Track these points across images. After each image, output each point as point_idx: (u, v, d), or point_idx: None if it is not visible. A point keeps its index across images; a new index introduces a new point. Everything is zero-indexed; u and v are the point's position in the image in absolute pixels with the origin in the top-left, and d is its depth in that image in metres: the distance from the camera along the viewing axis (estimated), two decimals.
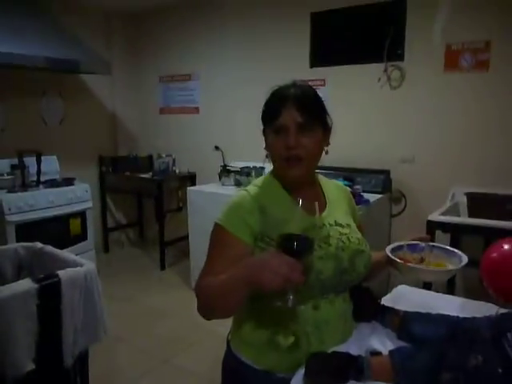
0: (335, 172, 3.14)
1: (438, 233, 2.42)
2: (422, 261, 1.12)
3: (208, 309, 1.01)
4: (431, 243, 1.17)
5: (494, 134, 2.80)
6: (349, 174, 3.05)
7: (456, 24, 2.85)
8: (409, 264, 1.07)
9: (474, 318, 1.04)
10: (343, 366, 0.92)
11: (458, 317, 1.07)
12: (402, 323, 1.09)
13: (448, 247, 1.16)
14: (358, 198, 2.72)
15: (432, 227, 2.40)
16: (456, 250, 1.13)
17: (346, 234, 1.10)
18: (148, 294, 3.55)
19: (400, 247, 1.17)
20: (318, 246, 1.01)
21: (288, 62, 3.49)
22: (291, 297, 0.85)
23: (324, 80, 3.37)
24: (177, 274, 3.93)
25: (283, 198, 1.09)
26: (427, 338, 1.02)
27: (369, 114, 3.23)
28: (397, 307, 1.18)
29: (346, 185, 2.81)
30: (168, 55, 4.41)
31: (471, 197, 2.65)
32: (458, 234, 2.64)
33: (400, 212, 3.19)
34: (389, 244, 1.18)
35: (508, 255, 1.02)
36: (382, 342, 1.06)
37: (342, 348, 1.01)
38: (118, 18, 4.47)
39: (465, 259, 1.06)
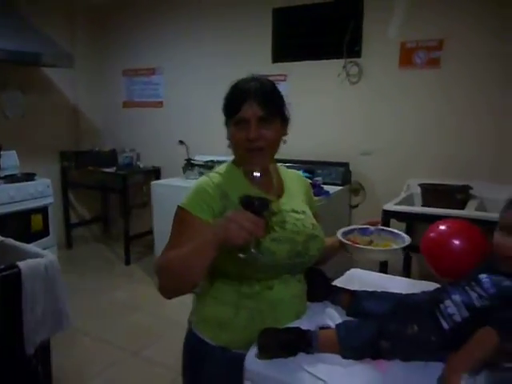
0: (296, 165, 3.22)
1: (393, 222, 2.54)
2: (370, 243, 1.22)
3: (172, 283, 1.03)
4: (380, 227, 1.27)
5: (446, 128, 2.95)
6: (309, 167, 3.14)
7: (411, 23, 2.98)
8: (356, 245, 1.17)
9: (414, 294, 1.13)
10: (293, 339, 0.99)
11: (401, 294, 1.16)
12: (351, 301, 1.17)
13: (394, 230, 1.26)
14: (318, 189, 2.82)
15: (387, 216, 2.52)
16: (401, 233, 1.23)
17: (301, 220, 1.17)
18: (113, 288, 3.54)
19: (352, 231, 1.27)
20: (273, 230, 1.08)
21: (251, 57, 3.55)
22: (253, 250, 0.94)
23: (285, 75, 3.45)
24: (142, 269, 3.94)
25: (244, 186, 1.12)
26: (373, 314, 1.10)
27: (329, 109, 3.33)
28: (350, 288, 1.26)
29: (306, 177, 2.93)
30: (132, 49, 4.38)
31: (424, 187, 2.78)
32: (412, 223, 2.78)
33: (359, 203, 3.31)
34: None
35: (443, 234, 1.11)
36: (332, 318, 1.13)
37: (294, 324, 1.08)
38: (82, 11, 4.40)
39: (408, 240, 1.17)
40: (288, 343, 0.98)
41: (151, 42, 4.23)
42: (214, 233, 0.94)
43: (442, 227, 1.12)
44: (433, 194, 2.71)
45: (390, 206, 2.57)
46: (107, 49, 4.56)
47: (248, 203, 0.93)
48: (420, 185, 2.81)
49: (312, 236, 1.17)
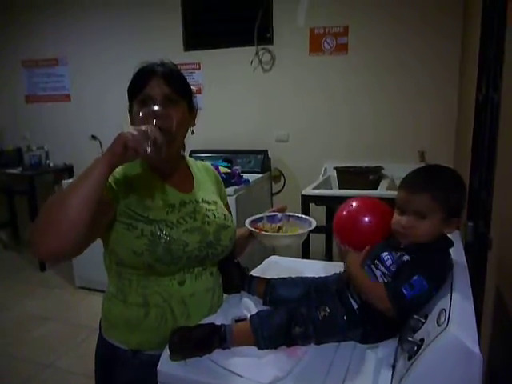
0: (214, 155, 3.19)
1: (312, 206, 2.59)
2: (279, 229, 1.22)
3: (47, 225, 0.81)
4: (287, 213, 1.28)
5: (358, 111, 3.06)
6: (228, 156, 3.11)
7: (318, 10, 3.03)
8: (262, 232, 1.17)
9: (326, 276, 1.14)
10: (207, 336, 0.95)
11: (314, 277, 1.16)
12: (267, 289, 1.15)
13: (301, 215, 1.28)
14: (237, 178, 2.80)
15: (306, 201, 2.56)
16: (307, 217, 1.25)
17: (211, 210, 1.15)
18: (27, 297, 3.28)
19: (260, 219, 1.26)
20: (184, 220, 1.07)
21: (163, 45, 3.41)
22: (150, 144, 0.86)
23: (199, 63, 3.37)
24: (59, 274, 3.68)
25: (149, 176, 1.10)
26: (287, 300, 1.09)
27: (244, 97, 3.31)
28: (267, 276, 1.25)
29: (225, 166, 2.90)
30: (32, 39, 4.03)
31: (340, 170, 2.87)
32: (330, 206, 2.86)
33: (280, 190, 3.35)
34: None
35: (352, 212, 1.12)
36: (248, 309, 1.11)
37: (208, 320, 1.05)
38: None
39: (313, 224, 1.20)
40: (202, 341, 0.94)
41: (53, 31, 3.92)
42: (105, 153, 0.86)
43: (351, 205, 1.13)
44: (347, 176, 2.81)
45: (308, 191, 2.62)
46: (1, 36, 4.15)
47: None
48: (335, 168, 2.90)
49: (223, 226, 1.15)
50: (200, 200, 1.15)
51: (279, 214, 1.27)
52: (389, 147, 3.00)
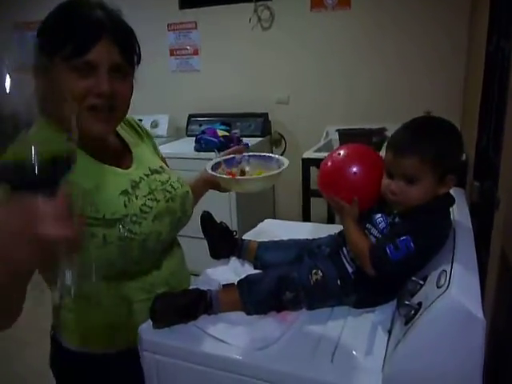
0: (213, 118, 3.09)
1: (313, 169, 2.51)
2: (243, 173, 1.07)
3: None
4: (247, 154, 1.12)
5: (362, 71, 2.92)
6: (226, 119, 3.02)
7: None
8: (235, 177, 1.01)
9: (320, 238, 1.08)
10: (191, 302, 0.89)
11: (307, 239, 1.10)
12: (257, 253, 1.09)
13: (263, 153, 1.11)
14: (236, 142, 2.71)
15: (307, 164, 2.48)
16: (273, 155, 1.08)
17: (167, 182, 0.99)
18: None
19: (218, 164, 1.08)
20: (147, 207, 0.90)
21: (156, 3, 3.26)
22: (69, 272, 0.52)
23: (195, 22, 3.22)
24: None
25: (82, 160, 0.82)
26: (278, 264, 1.03)
27: (243, 57, 3.17)
28: (261, 240, 1.18)
29: (223, 130, 2.81)
30: None
31: (341, 133, 2.76)
32: None
33: (281, 154, 3.25)
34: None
35: (338, 162, 0.96)
36: (237, 274, 1.06)
37: (197, 284, 0.99)
38: None
39: (286, 161, 1.01)
40: (186, 308, 0.88)
41: None
42: None
43: (337, 154, 0.97)
44: (350, 138, 2.69)
45: (309, 154, 2.53)
46: None
47: (19, 179, 0.49)
48: (338, 130, 2.78)
49: (185, 195, 1.03)
50: (149, 172, 0.97)
51: (237, 156, 1.10)
52: (393, 108, 2.88)
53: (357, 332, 0.84)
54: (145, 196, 0.91)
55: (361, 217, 0.93)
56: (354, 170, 0.94)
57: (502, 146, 1.39)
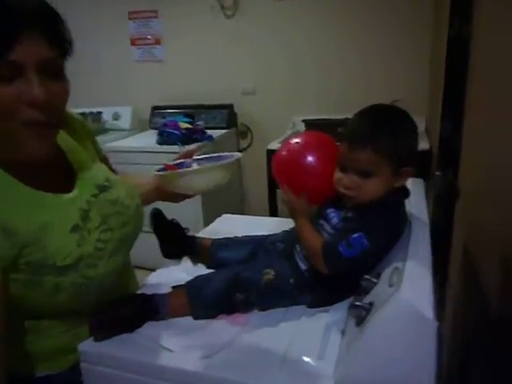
0: (178, 110, 3.00)
1: None
2: None
3: None
4: (198, 156, 1.04)
5: (328, 61, 2.87)
6: (190, 111, 2.92)
7: None
8: (179, 170, 0.92)
9: (274, 234, 1.03)
10: (134, 311, 0.83)
11: (263, 235, 1.05)
12: (210, 251, 1.03)
13: (215, 154, 1.04)
14: (200, 134, 2.64)
15: (272, 156, 2.43)
16: (225, 153, 1.02)
17: (117, 200, 0.86)
18: None
19: (163, 170, 0.99)
20: (102, 243, 0.78)
21: None
22: None
23: (156, 11, 3.10)
24: None
25: (23, 195, 0.70)
26: (232, 262, 0.98)
27: (207, 47, 3.08)
28: (217, 237, 1.12)
29: (187, 122, 2.73)
30: None
31: (308, 123, 2.72)
32: None
33: (247, 146, 3.20)
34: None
35: (294, 149, 0.90)
36: (190, 274, 1.00)
37: (144, 289, 0.93)
38: None
39: (237, 154, 0.97)
40: (128, 318, 0.82)
41: None
42: None
43: (292, 142, 0.91)
44: (316, 129, 2.66)
45: (274, 145, 2.48)
46: None
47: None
48: (304, 121, 2.75)
49: (136, 211, 0.90)
50: (96, 191, 0.82)
51: (187, 160, 1.01)
52: (361, 98, 2.81)
53: (310, 334, 0.80)
54: (97, 228, 0.78)
55: (315, 212, 0.89)
56: (309, 159, 0.88)
57: (462, 135, 1.37)
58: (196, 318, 0.84)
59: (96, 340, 0.80)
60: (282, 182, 0.90)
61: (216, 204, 2.69)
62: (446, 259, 1.45)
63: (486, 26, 1.17)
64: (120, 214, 0.84)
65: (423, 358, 0.60)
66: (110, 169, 0.97)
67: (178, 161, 1.03)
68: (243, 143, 3.21)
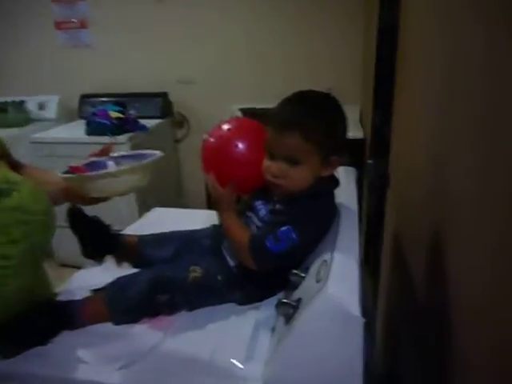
0: (108, 99, 2.84)
1: None
2: None
3: None
4: (116, 154, 0.93)
5: (265, 47, 2.82)
6: (121, 100, 2.77)
7: None
8: (89, 174, 0.81)
9: (203, 229, 0.97)
10: (48, 319, 0.75)
11: (191, 230, 0.99)
12: (136, 250, 0.96)
13: (135, 152, 0.94)
14: (132, 124, 2.51)
15: None
16: (146, 151, 0.93)
17: (20, 207, 0.73)
18: None
19: (75, 170, 0.87)
20: (4, 260, 0.69)
21: None
22: None
23: None
24: None
25: None
26: (158, 260, 0.92)
27: (137, 32, 2.93)
28: (145, 233, 1.05)
29: (118, 111, 2.59)
30: None
31: (245, 112, 2.68)
32: None
33: (184, 135, 3.10)
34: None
35: (223, 136, 0.84)
36: (114, 275, 0.92)
37: (63, 295, 0.85)
38: None
39: (159, 153, 0.90)
40: (41, 329, 0.73)
41: None
42: None
43: (221, 129, 0.85)
44: (252, 117, 2.63)
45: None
46: None
47: None
48: (240, 109, 2.70)
49: (47, 216, 0.78)
50: None
51: (102, 159, 0.90)
52: (298, 86, 2.84)
53: (239, 334, 0.76)
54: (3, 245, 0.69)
55: (243, 204, 0.84)
56: (238, 147, 0.83)
57: (392, 122, 1.39)
58: (116, 323, 0.78)
59: (5, 357, 0.71)
60: (209, 170, 0.85)
61: (151, 197, 2.58)
62: (379, 247, 1.47)
63: (414, 14, 1.18)
64: (24, 223, 0.72)
65: (350, 354, 0.58)
66: (14, 164, 0.86)
67: (90, 160, 0.92)
68: (179, 133, 3.10)
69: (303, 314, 0.61)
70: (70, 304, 0.77)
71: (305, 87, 0.99)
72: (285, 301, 0.66)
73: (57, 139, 2.47)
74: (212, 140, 0.86)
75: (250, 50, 2.85)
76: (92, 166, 0.89)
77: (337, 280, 0.60)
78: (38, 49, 3.13)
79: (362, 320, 0.55)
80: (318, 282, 0.63)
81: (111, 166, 0.90)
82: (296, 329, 0.61)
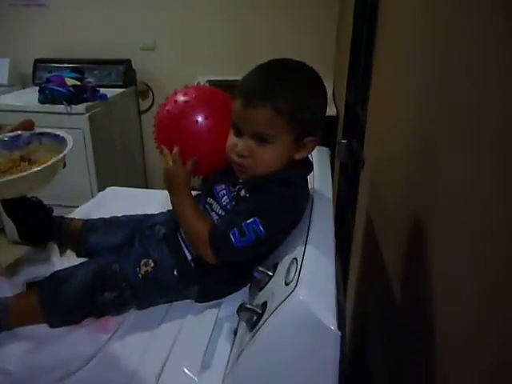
0: (65, 65, 2.63)
1: None
2: (28, 161, 0.73)
3: None
4: (39, 131, 0.77)
5: (235, 18, 2.67)
6: (79, 66, 2.57)
7: None
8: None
9: (157, 214, 0.86)
10: None
11: (144, 215, 0.88)
12: (80, 235, 0.84)
13: (57, 132, 0.77)
14: (90, 93, 2.32)
15: None
16: (64, 134, 0.75)
17: None
18: None
19: None
20: None
21: None
22: None
23: None
24: None
25: None
26: (106, 250, 0.80)
27: None
28: (94, 217, 0.92)
29: (75, 78, 2.39)
30: None
31: (212, 84, 2.54)
32: None
33: (149, 107, 2.92)
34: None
35: (179, 106, 0.72)
36: (51, 265, 0.81)
37: None
38: None
39: (69, 142, 0.72)
40: None
41: None
42: None
43: (178, 99, 0.74)
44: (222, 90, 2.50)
45: None
46: None
47: None
48: (208, 81, 2.55)
49: None
50: None
51: (25, 134, 0.75)
52: (266, 58, 2.72)
53: (196, 336, 0.67)
54: None
55: (201, 187, 0.74)
56: (198, 118, 0.71)
57: (368, 102, 1.30)
58: (52, 326, 0.67)
59: None
60: (163, 143, 0.73)
61: (113, 175, 2.43)
62: (351, 231, 1.41)
63: None
64: None
65: (324, 372, 0.50)
66: None
67: (12, 134, 0.75)
68: (144, 104, 2.92)
69: (269, 322, 0.51)
70: None
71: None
72: (248, 306, 0.56)
73: (7, 106, 2.26)
74: (167, 108, 0.74)
75: (220, 17, 2.68)
76: (14, 141, 0.74)
77: (309, 281, 0.51)
78: None
79: (338, 333, 0.47)
80: (287, 284, 0.54)
81: (32, 140, 0.75)
82: (260, 339, 0.52)
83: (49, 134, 0.76)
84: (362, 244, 1.29)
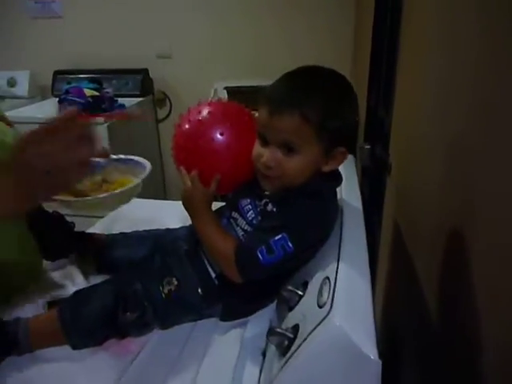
0: (84, 75, 2.65)
1: None
2: (104, 183, 0.77)
3: None
4: (115, 156, 0.79)
5: (249, 22, 2.65)
6: (97, 77, 2.58)
7: None
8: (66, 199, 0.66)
9: (178, 228, 0.84)
10: None
11: (166, 229, 0.85)
12: (102, 251, 0.82)
13: (132, 157, 0.82)
14: (109, 103, 2.33)
15: None
16: (140, 159, 0.81)
17: None
18: None
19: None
20: None
21: None
22: None
23: None
24: None
25: None
26: (128, 265, 0.78)
27: (114, 3, 2.72)
28: (114, 232, 0.90)
29: (93, 88, 2.40)
30: None
31: (230, 90, 2.52)
32: None
33: (166, 116, 2.92)
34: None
35: (199, 122, 0.70)
36: (76, 283, 0.79)
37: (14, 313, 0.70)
38: None
39: (148, 167, 0.77)
40: None
41: None
42: None
43: (198, 114, 0.71)
44: (238, 96, 2.47)
45: None
46: None
47: None
48: (226, 88, 2.54)
49: None
50: None
51: (102, 160, 0.75)
52: (288, 64, 2.68)
53: (222, 358, 0.63)
54: None
55: (226, 203, 0.71)
56: (214, 135, 0.68)
57: (393, 105, 1.25)
58: (74, 347, 0.64)
59: None
60: (183, 163, 0.71)
61: None
62: (377, 240, 1.36)
63: None
64: None
65: None
66: None
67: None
68: (161, 113, 2.93)
69: (302, 348, 0.48)
70: (14, 323, 0.64)
71: (294, 65, 0.83)
72: (279, 330, 0.53)
73: (26, 119, 2.28)
74: (186, 126, 0.71)
75: (238, 22, 2.67)
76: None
77: (345, 307, 0.47)
78: (5, 19, 2.90)
79: (379, 363, 0.43)
80: (320, 306, 0.50)
81: (108, 165, 0.78)
82: (293, 366, 0.48)
83: (123, 158, 0.82)
84: (389, 253, 1.24)
